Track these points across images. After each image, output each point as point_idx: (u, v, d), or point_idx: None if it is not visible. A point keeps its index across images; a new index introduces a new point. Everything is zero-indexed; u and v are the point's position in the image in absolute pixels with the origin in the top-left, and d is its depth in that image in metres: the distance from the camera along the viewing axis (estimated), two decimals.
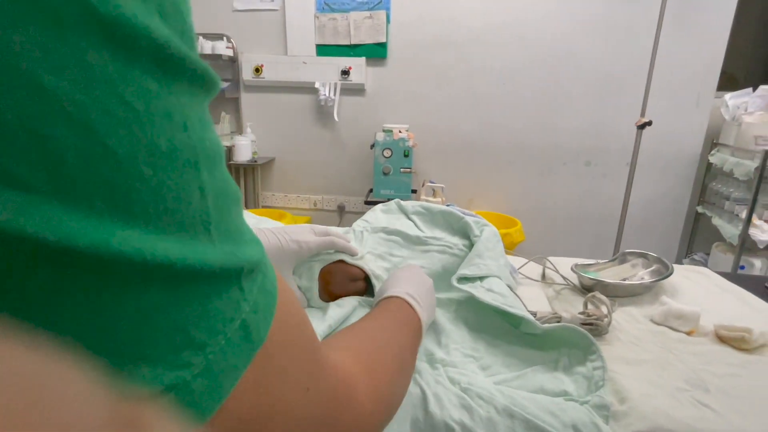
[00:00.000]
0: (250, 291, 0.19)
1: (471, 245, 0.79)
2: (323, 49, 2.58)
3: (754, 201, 2.01)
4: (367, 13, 2.48)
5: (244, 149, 2.61)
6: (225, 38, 2.62)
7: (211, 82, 0.18)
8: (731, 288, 0.83)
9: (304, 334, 0.27)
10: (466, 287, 0.66)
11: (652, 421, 0.49)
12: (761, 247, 2.04)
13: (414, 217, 0.89)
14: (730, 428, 0.48)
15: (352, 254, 0.72)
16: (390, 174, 2.40)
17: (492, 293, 0.65)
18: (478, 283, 0.68)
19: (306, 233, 0.64)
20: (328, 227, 0.69)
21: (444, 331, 0.64)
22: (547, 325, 0.58)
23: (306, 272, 0.67)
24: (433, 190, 2.41)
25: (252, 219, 0.84)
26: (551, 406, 0.49)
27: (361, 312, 0.67)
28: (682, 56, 2.36)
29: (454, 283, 0.68)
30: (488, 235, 0.77)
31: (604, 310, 0.67)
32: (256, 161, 2.68)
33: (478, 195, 2.72)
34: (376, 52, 2.55)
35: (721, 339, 0.64)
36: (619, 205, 2.21)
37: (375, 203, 2.58)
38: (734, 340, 0.63)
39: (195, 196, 0.16)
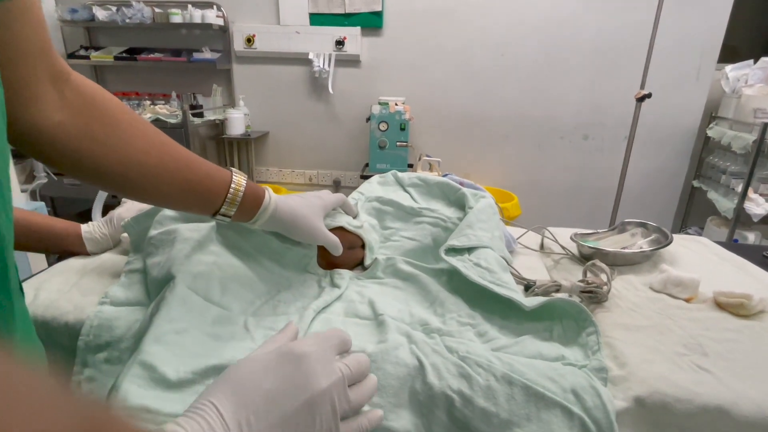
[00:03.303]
0: None
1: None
2: (317, 18, 2.50)
3: (751, 174, 2.00)
4: None
5: (237, 123, 2.56)
6: (215, 6, 2.53)
7: None
8: (730, 257, 0.83)
9: None
10: (454, 260, 0.65)
11: (651, 386, 0.48)
12: (755, 220, 2.05)
13: (410, 190, 0.87)
14: (728, 391, 0.47)
15: (353, 214, 0.74)
16: (386, 148, 2.37)
17: (479, 268, 0.64)
18: (467, 255, 0.67)
19: (322, 192, 0.69)
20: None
21: (438, 300, 0.63)
22: (534, 301, 0.58)
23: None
24: (430, 165, 2.38)
25: None
26: (550, 372, 0.49)
27: (354, 288, 0.66)
28: (684, 28, 2.31)
29: (442, 254, 0.67)
30: (483, 206, 0.76)
31: (604, 278, 0.67)
32: (249, 135, 2.63)
33: (475, 169, 2.70)
34: (371, 22, 2.48)
35: (720, 305, 0.64)
36: (616, 179, 2.20)
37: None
38: (733, 307, 0.63)
39: None
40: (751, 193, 2.08)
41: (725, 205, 2.17)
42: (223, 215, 0.55)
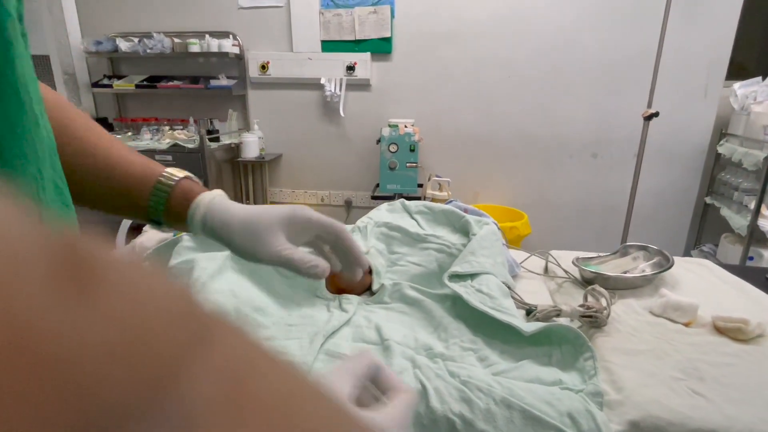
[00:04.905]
0: None
1: None
2: (328, 45, 2.59)
3: (763, 191, 1.99)
4: (372, 8, 2.49)
5: (252, 146, 2.64)
6: (231, 36, 2.64)
7: None
8: (732, 280, 0.84)
9: None
10: (457, 286, 0.68)
11: (646, 410, 0.50)
12: None
13: (417, 217, 0.91)
14: (722, 416, 0.49)
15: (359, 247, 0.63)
16: (396, 169, 2.42)
17: (480, 294, 0.67)
18: (469, 281, 0.70)
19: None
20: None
21: (441, 325, 0.66)
22: (533, 327, 0.60)
23: None
24: (439, 185, 2.42)
25: None
26: (547, 396, 0.51)
27: (362, 313, 0.69)
28: (690, 45, 2.33)
29: (446, 281, 0.70)
30: (486, 232, 0.79)
31: (604, 302, 0.69)
32: (263, 158, 2.71)
33: (484, 189, 2.72)
34: (381, 47, 2.56)
35: (719, 330, 0.66)
36: (626, 197, 2.20)
37: (382, 198, 2.59)
38: (731, 331, 0.64)
39: None
40: (764, 210, 2.06)
41: (739, 222, 2.15)
42: (155, 219, 0.47)
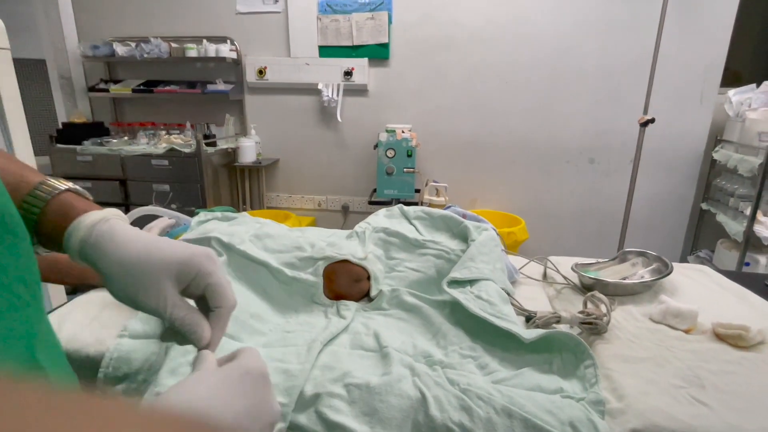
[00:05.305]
0: None
1: None
2: (326, 51, 2.59)
3: (759, 197, 2.00)
4: (369, 14, 2.49)
5: (249, 151, 2.63)
6: (229, 41, 2.64)
7: None
8: (731, 286, 0.84)
9: None
10: (456, 292, 0.68)
11: (648, 419, 0.50)
12: (766, 243, 2.03)
13: (415, 222, 0.90)
14: (725, 425, 0.49)
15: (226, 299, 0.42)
16: (393, 174, 2.42)
17: (480, 300, 0.66)
18: (468, 287, 0.69)
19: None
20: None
21: (440, 332, 0.65)
22: (533, 334, 0.59)
23: (312, 269, 0.69)
24: (437, 190, 2.41)
25: (255, 224, 0.86)
26: (548, 405, 0.50)
27: (360, 319, 0.69)
28: (685, 53, 2.35)
29: (445, 287, 0.69)
30: (485, 239, 0.78)
31: (603, 309, 0.68)
32: (260, 162, 2.70)
33: (482, 194, 2.72)
34: (378, 53, 2.56)
35: (719, 337, 0.65)
36: (623, 202, 2.21)
37: (379, 203, 2.58)
38: (732, 338, 0.64)
39: None
40: (760, 216, 2.07)
41: (735, 228, 2.16)
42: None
